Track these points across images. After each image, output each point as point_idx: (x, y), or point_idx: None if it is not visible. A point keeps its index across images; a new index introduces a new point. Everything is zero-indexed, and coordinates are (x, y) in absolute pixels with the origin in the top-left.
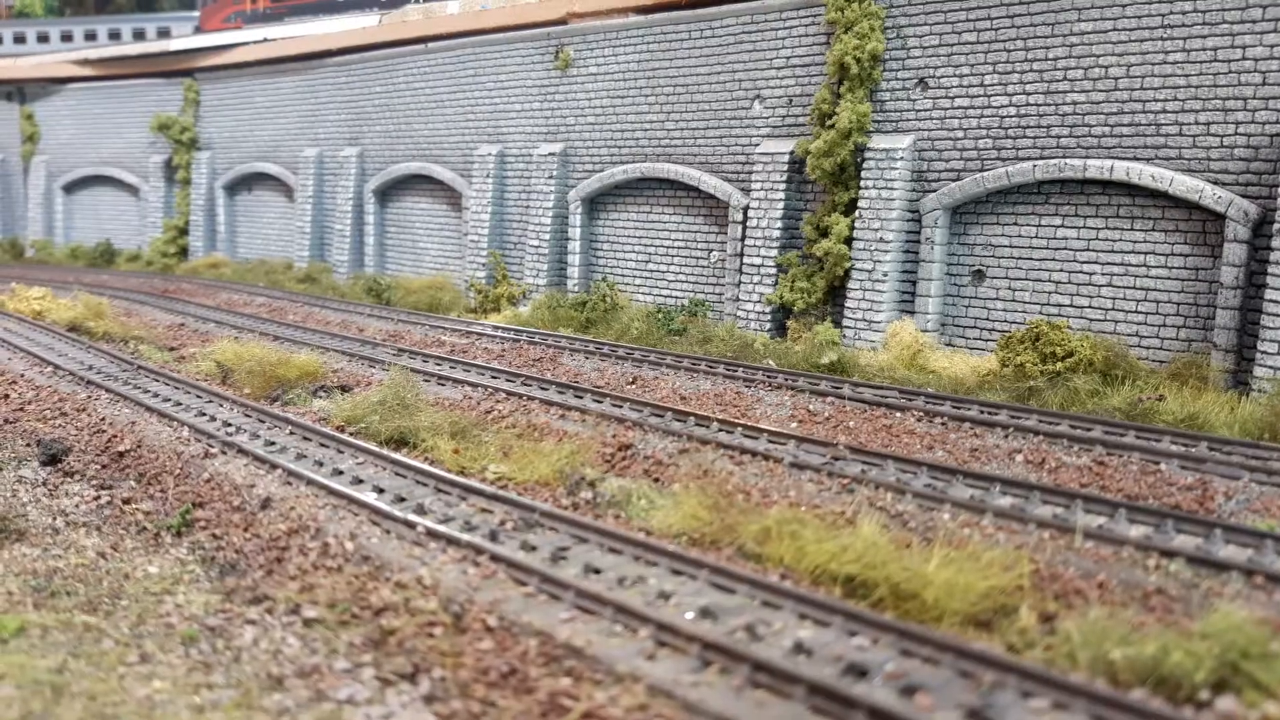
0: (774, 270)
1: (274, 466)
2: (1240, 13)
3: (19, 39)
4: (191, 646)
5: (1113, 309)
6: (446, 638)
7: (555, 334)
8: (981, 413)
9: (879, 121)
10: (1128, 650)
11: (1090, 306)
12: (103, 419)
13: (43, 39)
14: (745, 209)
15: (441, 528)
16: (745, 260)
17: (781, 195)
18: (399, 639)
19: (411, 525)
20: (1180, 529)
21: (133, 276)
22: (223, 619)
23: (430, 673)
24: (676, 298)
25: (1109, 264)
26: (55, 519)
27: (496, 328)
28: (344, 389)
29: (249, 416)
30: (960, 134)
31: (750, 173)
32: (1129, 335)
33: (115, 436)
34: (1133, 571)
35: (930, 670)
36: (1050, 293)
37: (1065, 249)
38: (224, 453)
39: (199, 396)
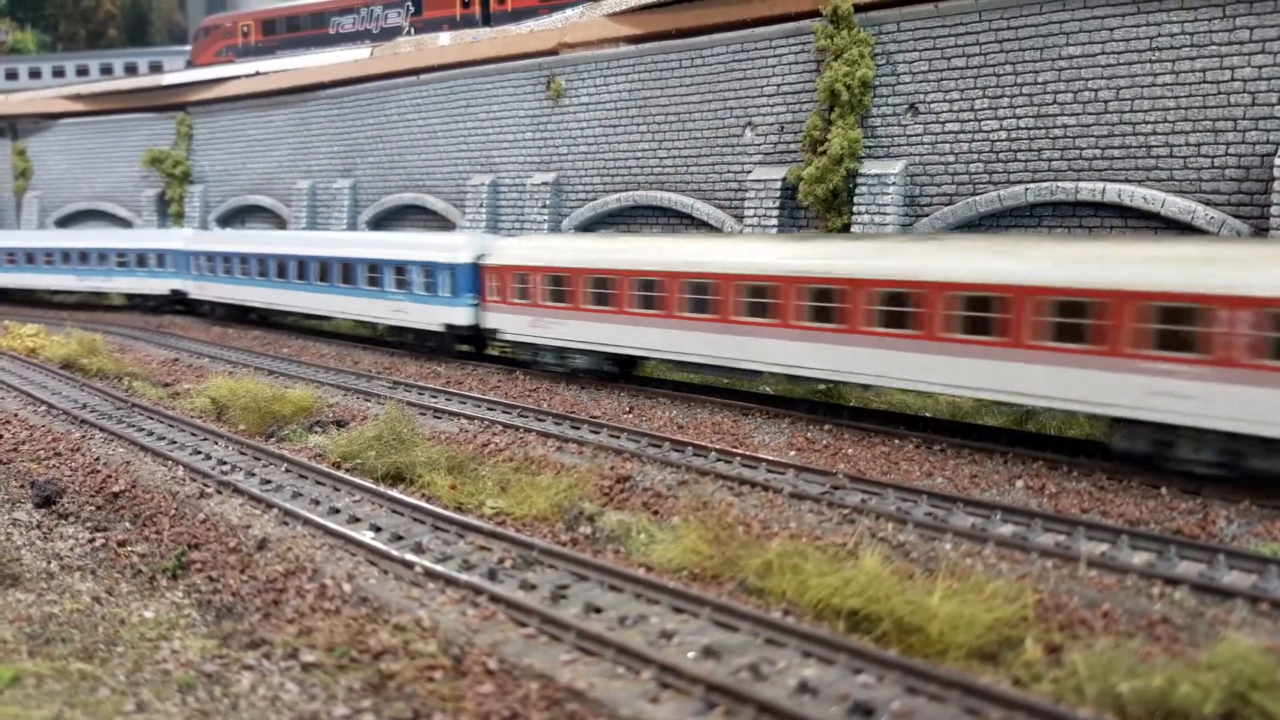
0: None
1: (270, 506)
2: (1227, 35)
3: (11, 75)
4: (189, 694)
5: None
6: (446, 681)
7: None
8: (980, 438)
9: (870, 147)
10: (1135, 683)
11: None
12: (97, 459)
13: (35, 74)
14: None
15: (440, 567)
16: None
17: (775, 221)
18: (398, 683)
19: (409, 565)
20: (1183, 555)
21: (126, 311)
22: (220, 665)
23: (431, 718)
24: None
25: None
26: (50, 563)
27: (492, 358)
28: (339, 424)
29: (244, 454)
30: (952, 158)
31: (743, 199)
32: None
33: (110, 477)
34: (1137, 600)
35: (937, 708)
36: None
37: None
38: (219, 492)
39: (194, 434)
